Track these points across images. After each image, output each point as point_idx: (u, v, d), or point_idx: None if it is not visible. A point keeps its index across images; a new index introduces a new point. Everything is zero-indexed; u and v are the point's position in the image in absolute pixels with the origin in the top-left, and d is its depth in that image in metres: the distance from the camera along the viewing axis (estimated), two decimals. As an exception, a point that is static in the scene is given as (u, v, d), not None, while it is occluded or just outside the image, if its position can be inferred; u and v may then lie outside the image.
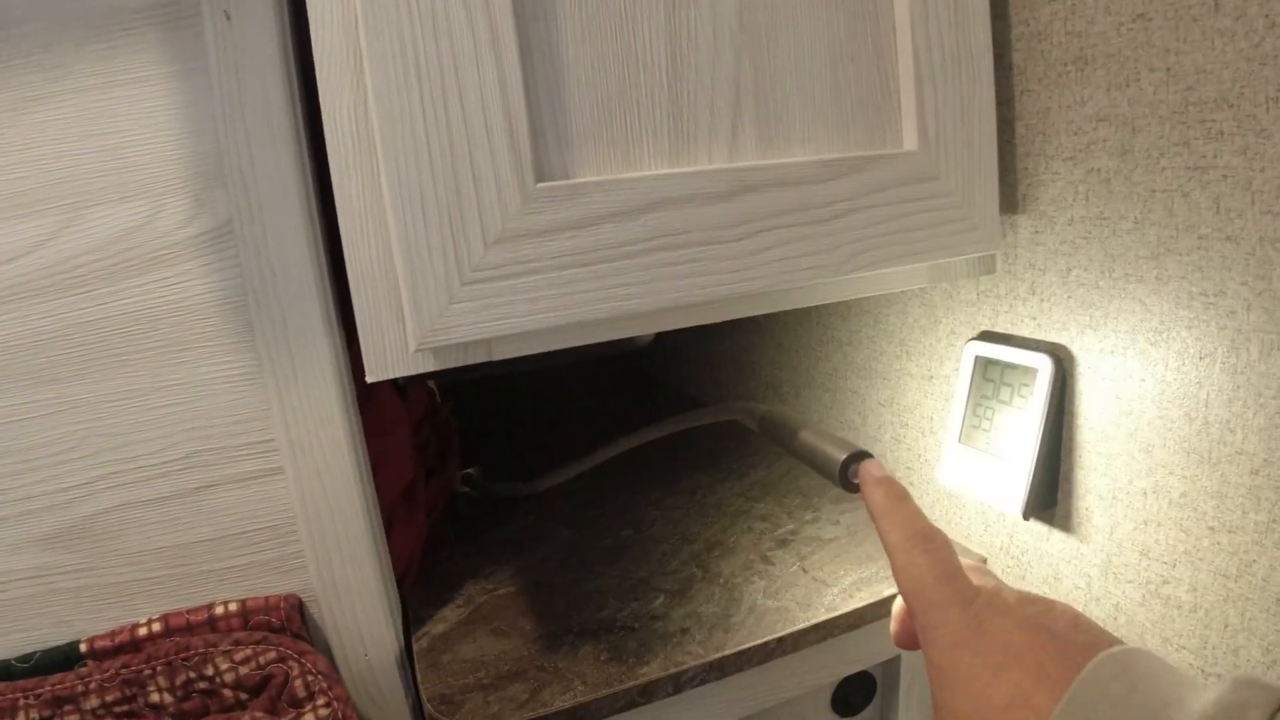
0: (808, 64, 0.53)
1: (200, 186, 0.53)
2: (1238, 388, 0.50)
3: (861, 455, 0.47)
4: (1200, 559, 0.53)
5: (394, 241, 0.44)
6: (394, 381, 0.78)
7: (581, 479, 0.93)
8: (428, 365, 0.47)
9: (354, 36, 0.44)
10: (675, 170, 0.49)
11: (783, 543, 0.77)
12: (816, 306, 0.92)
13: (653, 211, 0.48)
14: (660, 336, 1.44)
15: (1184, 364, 0.53)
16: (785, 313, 1.00)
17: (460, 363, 0.48)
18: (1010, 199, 0.63)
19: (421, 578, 0.76)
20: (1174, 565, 0.55)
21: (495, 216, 0.45)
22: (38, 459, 0.54)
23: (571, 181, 0.46)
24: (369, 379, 0.46)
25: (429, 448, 0.89)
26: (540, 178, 0.46)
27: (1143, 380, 0.56)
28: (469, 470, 0.98)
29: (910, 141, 0.56)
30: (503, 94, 0.44)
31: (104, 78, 0.51)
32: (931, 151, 0.56)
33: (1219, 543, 0.52)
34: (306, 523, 0.58)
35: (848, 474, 0.46)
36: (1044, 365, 0.60)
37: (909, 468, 0.80)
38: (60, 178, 0.52)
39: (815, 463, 0.49)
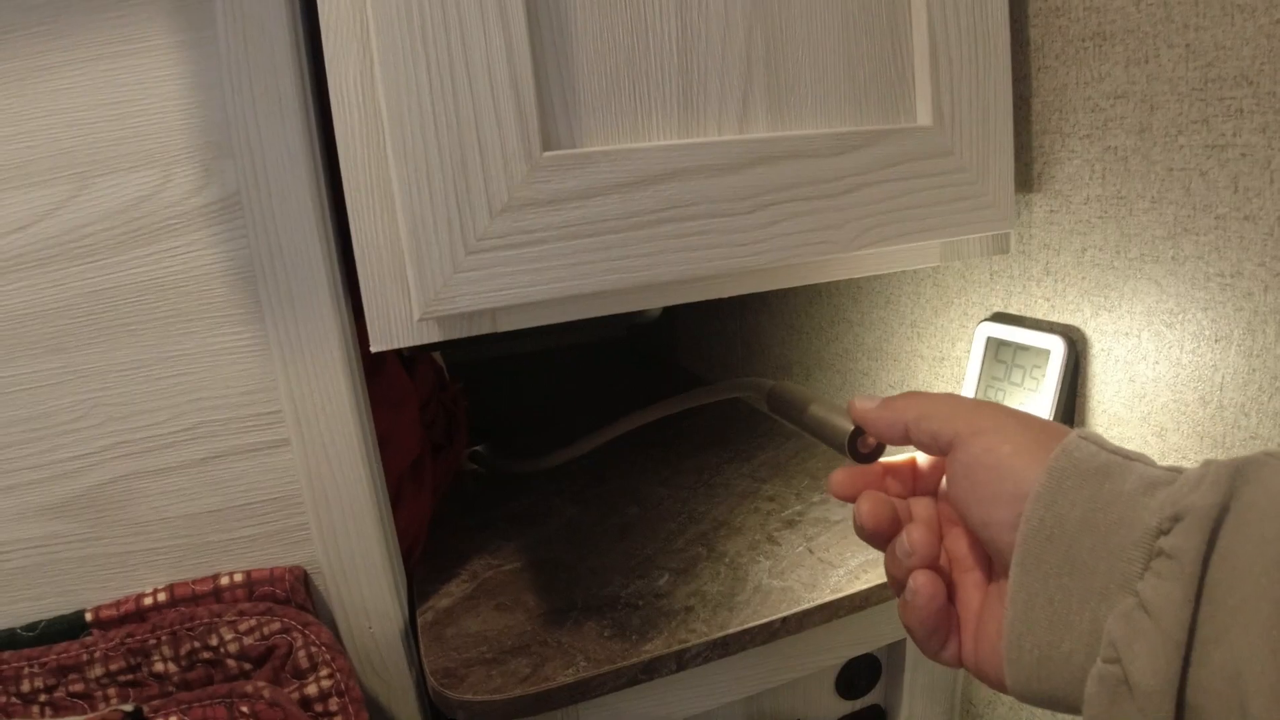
0: (821, 36, 0.52)
1: (209, 156, 0.53)
2: (1253, 371, 0.49)
3: None
4: (1211, 544, 0.52)
5: (399, 210, 0.44)
6: (400, 355, 0.78)
7: (588, 457, 0.92)
8: (432, 336, 0.46)
9: (360, 3, 0.43)
10: (684, 141, 0.49)
11: (789, 523, 0.76)
12: (828, 287, 0.92)
13: (661, 183, 0.48)
14: (670, 317, 1.44)
15: (1199, 346, 0.52)
16: (797, 293, 0.99)
17: (465, 334, 0.47)
18: (1025, 177, 0.62)
19: (427, 553, 0.76)
20: (1185, 550, 0.54)
21: (501, 185, 0.44)
22: (45, 428, 0.54)
23: (579, 151, 0.46)
24: (373, 348, 0.46)
25: (436, 424, 0.89)
26: (547, 146, 0.45)
27: (1157, 363, 0.55)
28: (476, 447, 0.98)
29: (924, 116, 0.55)
30: (510, 62, 0.44)
31: (114, 46, 0.51)
32: (946, 127, 0.55)
33: (1231, 528, 0.51)
34: (312, 495, 0.58)
35: (856, 445, 0.46)
36: (1057, 347, 0.60)
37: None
38: (70, 147, 0.51)
39: (824, 435, 0.49)
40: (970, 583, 0.41)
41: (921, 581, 0.40)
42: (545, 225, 0.45)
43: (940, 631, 0.40)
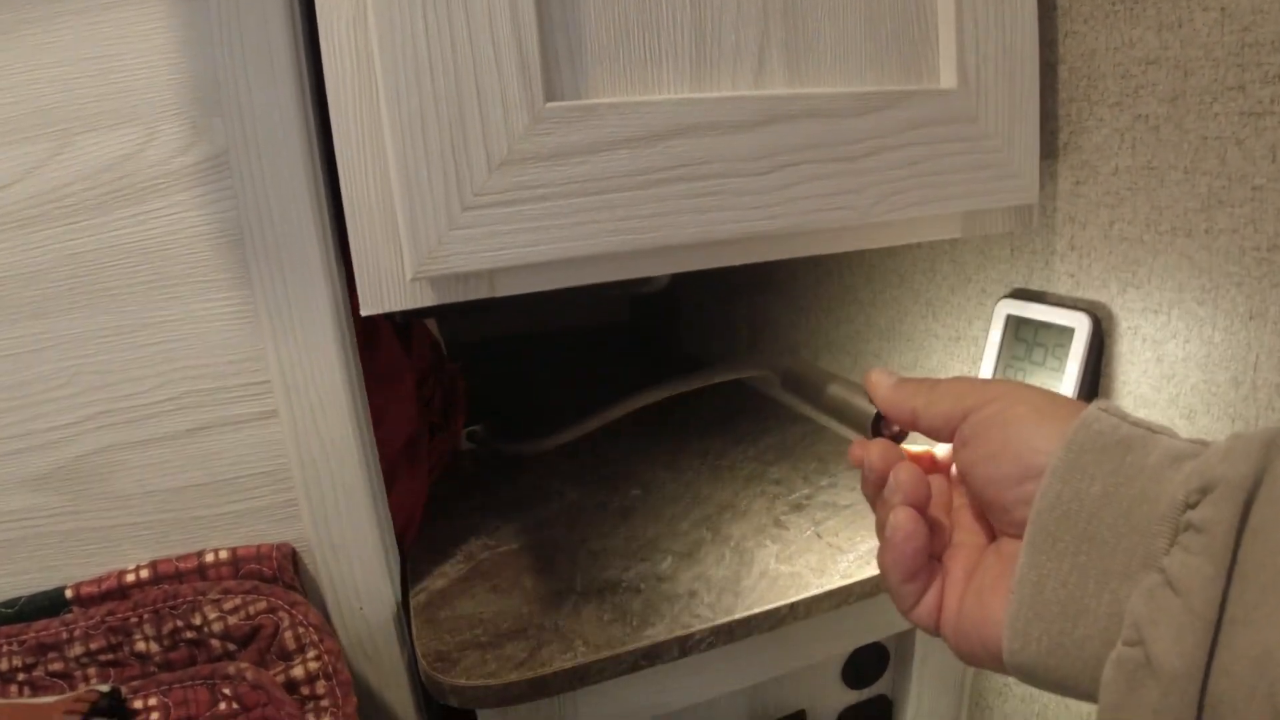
0: (842, -11, 0.50)
1: (196, 113, 0.51)
2: (1291, 349, 0.47)
3: None
4: (1243, 531, 0.50)
5: (391, 163, 0.41)
6: (394, 323, 0.75)
7: (590, 439, 0.90)
8: (426, 299, 0.44)
9: (353, -57, 0.41)
10: (697, 96, 0.46)
11: (797, 507, 0.74)
12: (839, 266, 0.89)
13: (670, 139, 0.45)
14: (673, 298, 1.42)
15: (1232, 324, 0.50)
16: (805, 272, 0.97)
17: (461, 297, 0.45)
18: (1051, 147, 0.60)
19: (421, 534, 0.74)
20: (1214, 537, 0.52)
21: (501, 138, 0.42)
22: (25, 397, 0.52)
23: (584, 103, 0.43)
24: (363, 311, 0.43)
25: (434, 403, 0.87)
26: (550, 97, 0.43)
27: (1187, 341, 0.53)
28: (474, 428, 0.96)
29: (948, 79, 0.52)
30: (512, 6, 0.41)
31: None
32: (970, 91, 0.53)
33: (1263, 514, 0.49)
34: (301, 469, 0.56)
35: (880, 427, 0.44)
36: (1081, 325, 0.57)
37: (931, 435, 0.77)
38: (53, 103, 0.49)
39: (845, 416, 0.47)
40: (970, 545, 0.39)
41: (901, 518, 0.38)
42: (547, 181, 0.43)
43: (916, 581, 0.38)
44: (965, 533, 0.40)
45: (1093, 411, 0.33)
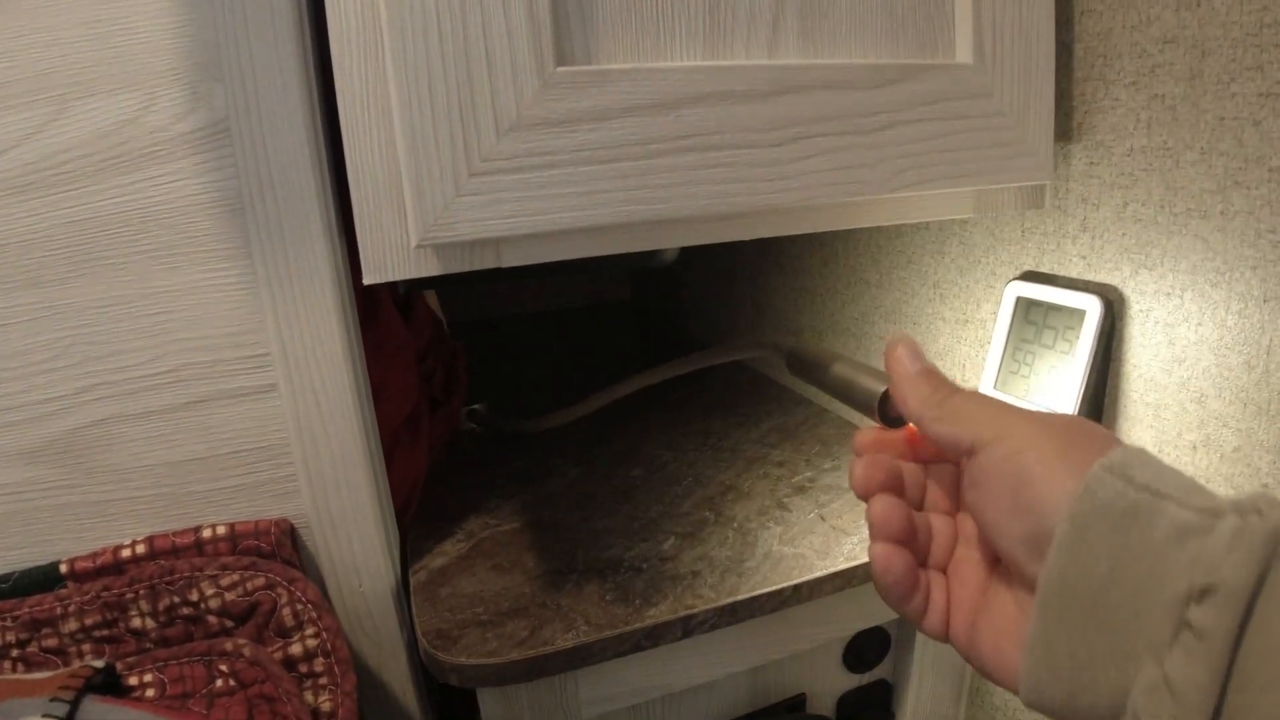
0: (857, -41, 0.49)
1: (197, 79, 0.50)
2: (1305, 333, 0.47)
3: None
4: (1255, 515, 0.50)
5: (397, 127, 0.40)
6: (394, 297, 0.74)
7: (592, 419, 0.90)
8: (430, 268, 0.43)
9: (360, -98, 0.40)
10: (709, 63, 0.45)
11: (800, 489, 0.73)
12: (845, 247, 0.89)
13: (682, 107, 0.44)
14: (676, 278, 1.41)
15: (1246, 307, 0.49)
16: (811, 253, 0.96)
17: (467, 267, 0.44)
18: (1065, 127, 0.59)
19: (421, 511, 0.74)
20: (1225, 522, 0.51)
21: (510, 102, 0.41)
22: (19, 367, 0.51)
23: (595, 68, 0.42)
24: (365, 280, 0.43)
25: (434, 379, 0.86)
26: (561, 62, 0.42)
27: (1200, 325, 0.52)
28: (475, 406, 0.95)
29: (964, 54, 0.51)
30: (523, -32, 0.40)
31: (99, -40, 0.47)
32: (986, 66, 0.52)
33: (1275, 500, 0.49)
34: (301, 444, 0.55)
35: (886, 408, 0.43)
36: (1092, 307, 0.57)
37: (935, 419, 0.77)
38: (50, 67, 0.48)
39: (850, 396, 0.46)
40: (973, 561, 0.40)
41: (874, 553, 0.40)
42: (557, 148, 0.42)
43: (912, 599, 0.39)
44: (969, 547, 0.40)
45: (1096, 474, 0.32)
